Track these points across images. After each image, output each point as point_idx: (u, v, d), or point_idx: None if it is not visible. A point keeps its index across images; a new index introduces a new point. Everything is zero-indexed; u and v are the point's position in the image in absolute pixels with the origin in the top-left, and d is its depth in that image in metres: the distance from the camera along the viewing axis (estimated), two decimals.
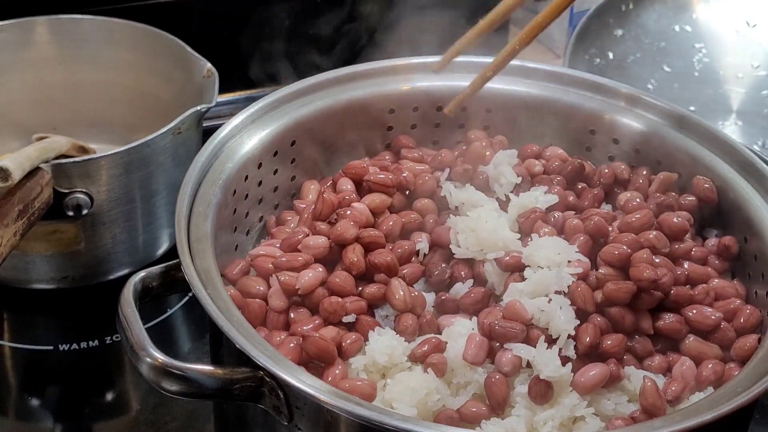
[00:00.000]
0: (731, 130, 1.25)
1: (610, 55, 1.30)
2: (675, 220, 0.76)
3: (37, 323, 0.98)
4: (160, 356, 0.63)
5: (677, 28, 1.33)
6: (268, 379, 0.62)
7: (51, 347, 0.94)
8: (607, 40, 1.31)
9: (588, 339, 0.68)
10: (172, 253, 0.73)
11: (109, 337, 0.95)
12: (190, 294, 0.97)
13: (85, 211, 0.92)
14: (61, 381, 0.92)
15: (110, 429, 0.89)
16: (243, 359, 0.63)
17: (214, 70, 1.01)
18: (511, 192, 0.80)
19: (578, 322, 0.69)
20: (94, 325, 0.96)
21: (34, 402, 0.90)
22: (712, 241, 0.80)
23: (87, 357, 0.94)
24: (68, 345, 0.94)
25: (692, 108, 1.26)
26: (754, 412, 0.75)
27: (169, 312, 0.98)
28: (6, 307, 0.99)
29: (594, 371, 0.68)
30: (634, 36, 1.31)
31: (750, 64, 1.31)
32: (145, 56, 1.09)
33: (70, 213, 0.91)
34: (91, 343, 0.95)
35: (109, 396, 0.91)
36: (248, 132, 0.81)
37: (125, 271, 0.99)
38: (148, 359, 0.63)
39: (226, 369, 0.63)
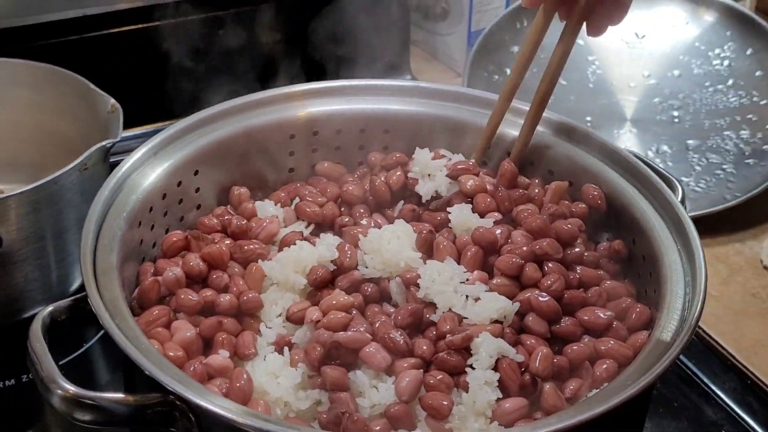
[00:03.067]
0: (626, 137, 1.30)
1: (508, 71, 1.35)
2: (565, 227, 0.80)
3: None
4: (71, 387, 0.64)
5: None
6: (178, 402, 0.64)
7: None
8: (504, 57, 1.36)
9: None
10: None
11: (25, 375, 0.95)
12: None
13: None
14: None
15: None
16: (154, 385, 0.64)
17: (117, 105, 1.03)
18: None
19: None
20: (10, 364, 0.96)
21: None
22: (603, 245, 0.84)
23: (4, 396, 0.94)
24: None
25: (588, 118, 1.31)
26: (649, 404, 0.78)
27: (86, 346, 0.99)
28: None
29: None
30: None
31: (641, 74, 1.36)
32: (49, 95, 1.10)
33: None
34: (7, 382, 0.95)
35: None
36: (151, 164, 0.82)
37: (40, 309, 0.99)
38: (59, 391, 0.64)
39: (137, 396, 0.65)
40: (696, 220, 1.11)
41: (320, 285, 0.77)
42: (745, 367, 1.01)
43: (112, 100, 1.03)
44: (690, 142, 1.28)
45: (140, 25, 1.18)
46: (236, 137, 0.88)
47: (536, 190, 0.86)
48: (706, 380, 1.00)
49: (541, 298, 0.75)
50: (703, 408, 0.97)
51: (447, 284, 0.75)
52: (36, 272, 0.98)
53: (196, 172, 0.85)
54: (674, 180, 0.85)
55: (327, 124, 0.91)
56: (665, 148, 1.28)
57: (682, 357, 1.01)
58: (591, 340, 0.76)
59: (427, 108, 0.91)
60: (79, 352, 0.98)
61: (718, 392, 0.99)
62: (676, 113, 1.31)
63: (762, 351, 1.03)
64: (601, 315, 0.76)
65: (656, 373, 0.66)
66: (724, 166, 1.24)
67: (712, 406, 0.97)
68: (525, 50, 0.86)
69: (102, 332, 1.00)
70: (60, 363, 0.66)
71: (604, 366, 0.73)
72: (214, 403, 0.63)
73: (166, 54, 1.14)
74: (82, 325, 0.71)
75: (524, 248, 0.78)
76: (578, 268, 0.80)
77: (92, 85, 1.06)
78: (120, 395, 0.65)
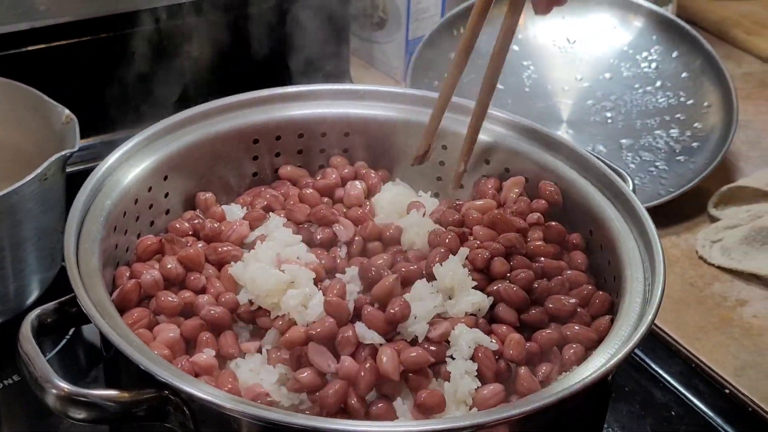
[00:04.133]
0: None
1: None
2: (521, 223, 0.84)
3: None
4: (66, 386, 0.65)
5: None
6: (172, 397, 0.66)
7: None
8: (443, 63, 1.40)
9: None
10: (44, 299, 0.76)
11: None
12: (68, 336, 1.01)
13: None
14: None
15: None
16: (146, 381, 0.66)
17: (72, 116, 1.03)
18: None
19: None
20: None
21: None
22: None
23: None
24: None
25: None
26: (612, 391, 0.82)
27: (47, 356, 0.99)
28: None
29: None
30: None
31: (574, 77, 1.41)
32: (2, 109, 1.10)
33: None
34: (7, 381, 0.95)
35: None
36: (123, 169, 0.84)
37: None
38: (54, 390, 0.66)
39: (132, 392, 0.66)
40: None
41: None
42: (689, 351, 1.06)
43: (67, 111, 1.04)
44: (623, 141, 1.33)
45: (90, 37, 1.19)
46: (202, 143, 0.89)
47: (489, 187, 0.90)
48: (654, 365, 1.04)
49: (510, 289, 0.79)
50: (652, 391, 1.02)
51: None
52: None
53: (165, 177, 0.87)
54: (624, 172, 0.89)
55: (289, 129, 0.93)
56: (601, 147, 1.33)
57: None
58: (558, 326, 0.79)
59: (385, 111, 0.94)
60: None
61: (666, 376, 1.03)
62: (609, 114, 1.37)
63: (703, 336, 1.08)
64: (566, 302, 0.80)
65: (627, 350, 0.70)
66: (657, 164, 1.30)
67: (661, 389, 1.02)
68: (464, 39, 0.88)
69: (61, 343, 1.01)
70: None
71: (572, 350, 0.77)
72: (209, 393, 0.65)
73: (118, 64, 1.15)
74: (66, 327, 0.72)
75: (491, 243, 0.82)
76: (541, 260, 0.83)
77: (46, 97, 1.06)
78: (114, 392, 0.66)
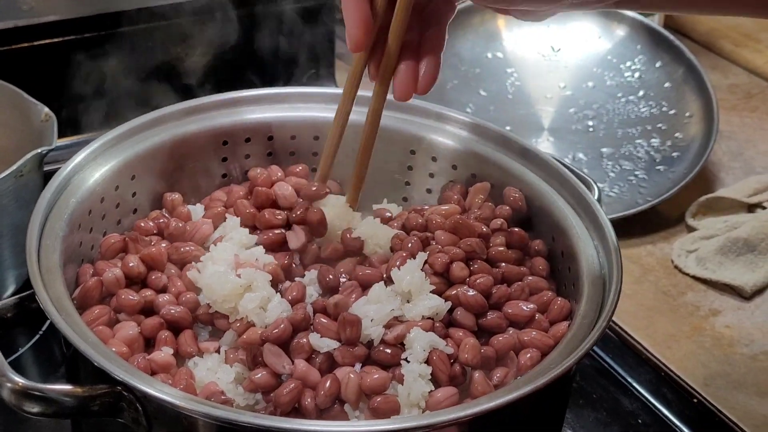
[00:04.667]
0: (544, 146, 1.35)
1: None
2: (484, 228, 0.85)
3: None
4: (20, 380, 0.66)
5: (490, 55, 1.44)
6: (125, 393, 0.67)
7: None
8: None
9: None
10: (20, 292, 0.77)
11: None
12: (40, 332, 1.02)
13: None
14: None
15: None
16: (101, 377, 0.67)
17: (51, 113, 1.05)
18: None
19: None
20: None
21: None
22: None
23: None
24: None
25: (508, 127, 1.36)
26: (570, 392, 0.83)
27: (20, 351, 1.01)
28: None
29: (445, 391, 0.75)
30: (451, 64, 1.41)
31: (557, 85, 1.42)
32: None
33: None
34: None
35: None
36: (90, 168, 0.85)
37: None
38: (9, 384, 0.67)
39: (85, 387, 0.67)
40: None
41: None
42: (658, 360, 1.06)
43: (46, 109, 1.05)
44: (604, 150, 1.34)
45: (70, 37, 1.21)
46: (170, 143, 0.90)
47: (454, 192, 0.91)
48: (622, 373, 1.05)
49: (468, 293, 0.79)
50: (620, 399, 1.02)
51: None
52: None
53: (133, 177, 0.88)
54: (591, 181, 0.90)
55: (259, 131, 0.94)
56: (581, 155, 1.34)
57: (599, 351, 1.07)
58: (515, 331, 0.80)
59: (356, 116, 0.94)
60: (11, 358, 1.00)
61: (634, 384, 1.04)
62: (590, 123, 1.37)
63: (674, 345, 1.09)
64: (524, 308, 0.81)
65: (578, 356, 0.71)
66: (636, 173, 1.30)
67: (628, 397, 1.03)
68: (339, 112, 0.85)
69: (33, 339, 1.02)
70: None
71: (528, 355, 0.78)
72: (161, 390, 0.66)
73: (99, 64, 1.16)
74: (26, 322, 0.73)
75: (452, 248, 0.83)
76: (502, 265, 0.84)
77: (25, 95, 1.08)
78: (68, 387, 0.67)
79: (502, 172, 0.91)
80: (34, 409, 0.67)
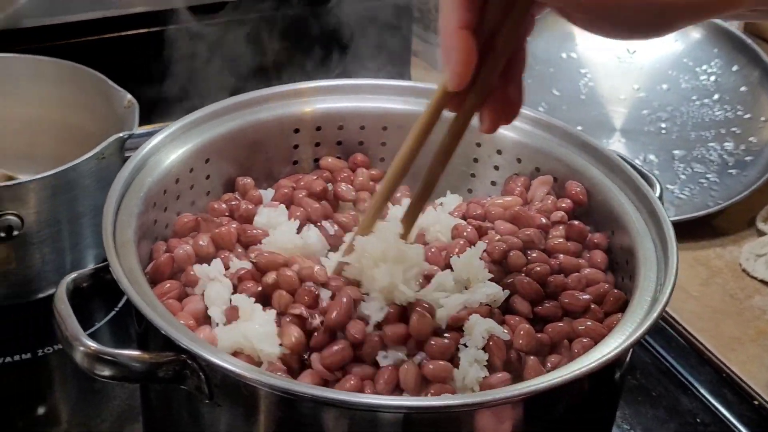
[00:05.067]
0: (615, 146, 1.36)
1: None
2: (543, 220, 0.87)
3: None
4: (93, 344, 0.70)
5: (564, 55, 1.45)
6: (189, 361, 0.70)
7: None
8: None
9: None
10: None
11: (41, 350, 1.02)
12: (116, 309, 1.07)
13: (15, 233, 0.99)
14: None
15: (43, 425, 0.97)
16: (167, 345, 0.71)
17: (134, 100, 1.09)
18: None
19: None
20: (25, 339, 1.02)
21: None
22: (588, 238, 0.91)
23: (19, 369, 1.00)
24: (2, 359, 1.01)
25: (579, 127, 1.37)
26: (622, 384, 0.84)
27: (97, 325, 1.05)
28: None
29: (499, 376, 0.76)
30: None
31: (631, 87, 1.43)
32: (71, 91, 1.17)
33: (2, 234, 0.98)
34: (24, 355, 1.01)
35: (42, 402, 0.98)
36: (166, 150, 0.88)
37: (54, 290, 1.06)
38: (82, 348, 0.70)
39: (152, 354, 0.71)
40: (679, 225, 1.19)
41: None
42: (721, 361, 1.07)
43: (129, 96, 1.10)
44: (676, 152, 1.34)
45: (156, 28, 1.26)
46: (244, 129, 0.93)
47: (518, 185, 0.93)
48: (684, 373, 1.06)
49: (524, 281, 0.81)
50: (680, 398, 1.03)
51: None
52: (52, 254, 1.04)
53: (207, 160, 0.92)
54: (653, 177, 0.91)
55: (329, 120, 0.97)
56: (652, 157, 1.34)
57: (661, 350, 1.08)
58: (570, 320, 0.82)
59: (423, 107, 0.97)
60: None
61: (695, 384, 1.04)
62: (663, 125, 1.38)
63: (738, 347, 1.09)
64: (580, 298, 0.82)
65: (628, 343, 0.72)
66: (708, 176, 1.30)
67: (688, 396, 1.03)
68: (409, 142, 0.78)
69: (109, 315, 1.06)
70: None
71: (581, 344, 0.79)
72: (224, 360, 0.69)
73: (179, 55, 1.21)
74: (101, 292, 0.77)
75: (510, 237, 0.85)
76: (560, 256, 0.86)
77: (110, 82, 1.13)
78: (137, 353, 0.71)
79: (565, 167, 0.93)
80: (105, 372, 0.71)
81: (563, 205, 0.90)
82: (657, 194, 0.89)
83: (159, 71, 1.21)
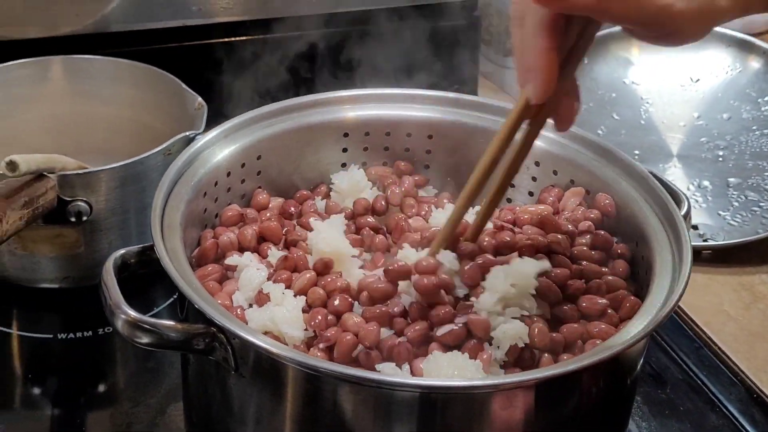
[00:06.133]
0: (671, 171, 1.39)
1: None
2: (570, 227, 0.92)
3: (42, 317, 1.12)
4: (132, 312, 0.77)
5: (627, 81, 1.48)
6: (219, 333, 0.76)
7: (51, 336, 1.09)
8: None
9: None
10: None
11: (101, 329, 1.09)
12: (175, 296, 1.14)
13: (84, 218, 1.06)
14: (60, 366, 1.07)
15: (100, 399, 1.04)
16: (200, 318, 0.77)
17: (203, 103, 1.17)
18: None
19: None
20: (89, 318, 1.10)
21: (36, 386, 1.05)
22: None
23: (82, 345, 1.09)
24: (65, 334, 1.09)
25: (637, 152, 1.40)
26: (635, 389, 0.87)
27: (156, 310, 1.13)
28: (16, 303, 1.14)
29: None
30: (588, 88, 1.47)
31: (692, 115, 1.45)
32: (145, 92, 1.25)
33: (72, 219, 1.06)
34: (86, 333, 1.09)
35: (101, 376, 1.07)
36: (220, 145, 0.95)
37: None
38: (123, 316, 0.77)
39: (186, 324, 0.77)
40: (727, 250, 1.21)
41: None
42: (753, 382, 1.08)
43: (199, 98, 1.17)
44: (731, 179, 1.36)
45: (229, 39, 1.34)
46: (296, 130, 1.00)
47: (551, 195, 0.98)
48: (714, 390, 1.08)
49: (544, 282, 0.85)
50: (707, 414, 1.05)
51: None
52: (119, 241, 1.11)
53: (259, 157, 0.98)
54: (681, 194, 0.94)
55: (378, 125, 1.03)
56: (706, 183, 1.36)
57: (694, 368, 1.10)
58: (585, 322, 0.85)
59: (467, 118, 1.02)
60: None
61: (724, 401, 1.06)
62: (721, 152, 1.40)
63: None
64: (597, 302, 0.86)
65: (635, 339, 0.76)
66: (762, 204, 1.32)
67: (716, 413, 1.05)
68: (492, 149, 0.84)
69: (168, 301, 1.14)
70: None
71: (593, 344, 0.83)
72: (246, 331, 0.75)
73: (252, 64, 1.29)
74: (147, 269, 0.84)
75: (539, 238, 0.89)
76: (583, 263, 0.90)
77: (183, 85, 1.20)
78: (171, 322, 0.77)
79: (597, 180, 0.97)
80: (143, 339, 0.77)
81: (591, 215, 0.94)
82: (684, 210, 0.92)
83: (229, 77, 1.29)
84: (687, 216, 0.92)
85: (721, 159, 1.39)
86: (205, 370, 0.83)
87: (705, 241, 1.27)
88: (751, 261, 1.27)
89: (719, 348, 1.13)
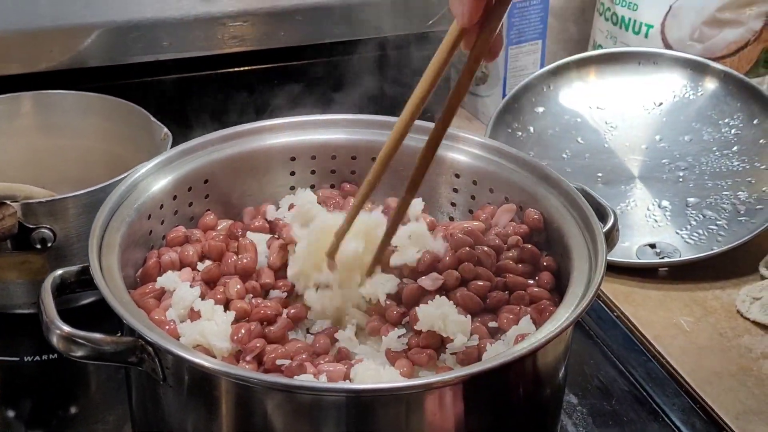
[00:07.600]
0: (633, 192, 1.42)
1: (531, 129, 1.50)
2: (497, 241, 0.95)
3: (12, 341, 1.16)
4: (66, 327, 0.81)
5: (591, 106, 1.52)
6: (145, 345, 0.81)
7: (17, 359, 1.13)
8: (529, 116, 1.51)
9: None
10: None
11: None
12: None
13: (49, 244, 1.11)
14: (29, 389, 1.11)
15: (65, 419, 1.07)
16: (130, 331, 0.81)
17: (169, 133, 1.22)
18: None
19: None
20: None
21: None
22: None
23: (49, 368, 1.13)
24: (32, 357, 1.13)
25: (600, 174, 1.44)
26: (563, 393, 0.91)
27: None
28: None
29: None
30: (554, 113, 1.51)
31: (654, 137, 1.48)
32: (116, 124, 1.30)
33: (37, 246, 1.10)
34: (51, 356, 1.14)
35: (72, 401, 1.10)
36: (165, 171, 0.99)
37: (87, 300, 1.19)
38: (57, 331, 0.81)
39: (115, 337, 0.81)
40: (682, 267, 1.24)
41: None
42: (697, 393, 1.11)
43: (165, 129, 1.22)
44: (690, 199, 1.39)
45: (199, 73, 1.40)
46: (245, 154, 1.05)
47: (485, 212, 1.02)
48: (658, 401, 1.11)
49: (464, 293, 0.89)
50: (649, 424, 1.08)
51: None
52: None
53: (206, 181, 1.03)
54: (608, 209, 0.98)
55: (323, 149, 1.07)
56: (666, 203, 1.39)
57: (641, 380, 1.13)
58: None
59: (410, 141, 1.06)
60: None
61: (667, 411, 1.09)
62: (681, 173, 1.43)
63: (716, 381, 1.13)
64: (515, 311, 0.90)
65: (552, 335, 0.80)
66: (718, 222, 1.35)
67: (658, 423, 1.08)
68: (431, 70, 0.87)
69: None
70: None
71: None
72: (171, 342, 0.79)
73: (216, 97, 1.35)
74: (86, 288, 0.88)
75: (465, 249, 0.93)
76: (508, 276, 0.93)
77: (152, 117, 1.26)
78: (101, 336, 0.81)
79: (529, 197, 1.01)
80: (78, 353, 0.81)
81: (520, 229, 0.98)
82: (610, 222, 0.96)
83: (194, 110, 1.35)
84: (613, 229, 0.96)
85: (681, 180, 1.42)
86: (140, 381, 0.87)
87: (662, 258, 1.31)
88: (705, 277, 1.30)
89: (666, 361, 1.16)
